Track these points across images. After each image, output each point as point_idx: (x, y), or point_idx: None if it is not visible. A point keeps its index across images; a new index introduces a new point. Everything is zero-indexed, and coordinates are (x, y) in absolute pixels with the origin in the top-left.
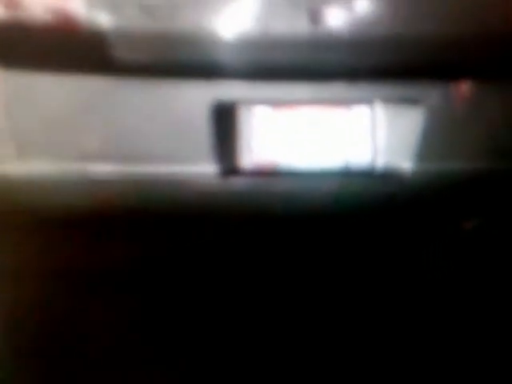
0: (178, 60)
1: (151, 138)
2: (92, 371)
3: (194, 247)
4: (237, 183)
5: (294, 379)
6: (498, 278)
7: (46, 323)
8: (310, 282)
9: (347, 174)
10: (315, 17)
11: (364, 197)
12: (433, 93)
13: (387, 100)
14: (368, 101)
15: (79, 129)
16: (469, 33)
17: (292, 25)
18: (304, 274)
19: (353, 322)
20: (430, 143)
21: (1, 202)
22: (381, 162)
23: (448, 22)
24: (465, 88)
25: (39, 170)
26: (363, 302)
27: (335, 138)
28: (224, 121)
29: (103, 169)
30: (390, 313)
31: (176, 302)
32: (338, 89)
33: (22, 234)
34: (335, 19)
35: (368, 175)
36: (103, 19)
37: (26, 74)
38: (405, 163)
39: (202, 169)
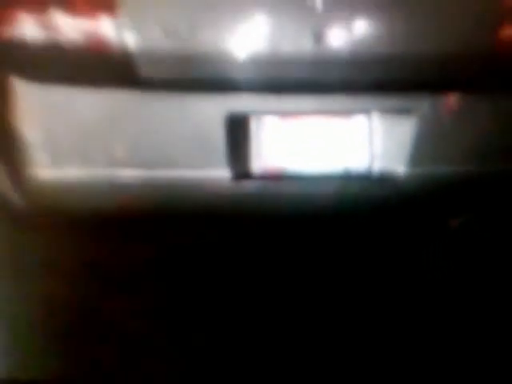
0: (197, 77)
1: (172, 146)
2: (116, 354)
3: (209, 243)
4: (248, 186)
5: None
6: (483, 271)
7: (76, 311)
8: (314, 275)
9: (347, 178)
10: (318, 38)
11: (362, 198)
12: (423, 104)
13: (383, 110)
14: (366, 111)
15: (108, 138)
16: (454, 51)
17: (298, 45)
18: (308, 268)
19: (353, 311)
20: (422, 149)
21: (36, 204)
22: (377, 166)
23: (436, 41)
24: (452, 100)
25: (71, 175)
26: (362, 293)
27: (336, 144)
28: (237, 130)
29: (129, 174)
30: (387, 304)
31: (192, 292)
32: (338, 101)
33: (54, 233)
34: (336, 40)
35: (366, 178)
36: (130, 41)
37: (61, 89)
38: (399, 167)
39: (217, 173)
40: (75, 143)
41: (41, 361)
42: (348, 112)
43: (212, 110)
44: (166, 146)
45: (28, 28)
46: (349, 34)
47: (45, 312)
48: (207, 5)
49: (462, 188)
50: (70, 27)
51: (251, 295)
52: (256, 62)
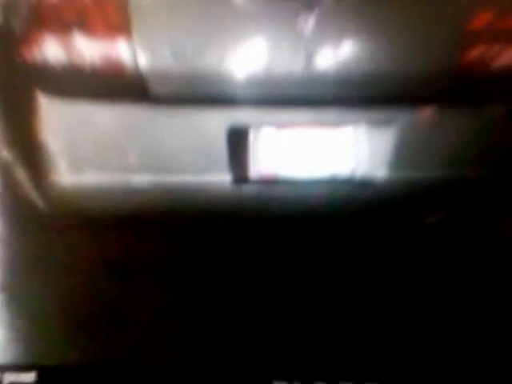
0: (201, 93)
1: (180, 154)
2: (129, 341)
3: (212, 240)
4: (246, 189)
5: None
6: (455, 265)
7: (93, 302)
8: (305, 270)
9: (334, 182)
10: (309, 59)
11: (347, 200)
12: (402, 116)
13: (366, 122)
14: (351, 123)
15: (121, 147)
16: (428, 70)
17: (291, 65)
18: (300, 263)
19: (340, 301)
20: (400, 156)
21: (57, 207)
22: (361, 171)
23: (412, 61)
24: (426, 113)
25: (89, 180)
26: (348, 286)
27: (325, 152)
28: (237, 140)
29: (141, 179)
30: (370, 293)
31: (197, 284)
32: (327, 114)
33: (74, 233)
34: (324, 60)
35: (351, 182)
36: (142, 62)
37: (80, 104)
38: (380, 172)
39: (219, 178)
40: (93, 152)
41: (61, 347)
42: (335, 124)
43: (215, 123)
44: (174, 154)
45: (53, 50)
46: (335, 55)
47: (65, 303)
48: (211, 30)
49: (436, 191)
50: (89, 49)
51: (250, 287)
52: (254, 80)
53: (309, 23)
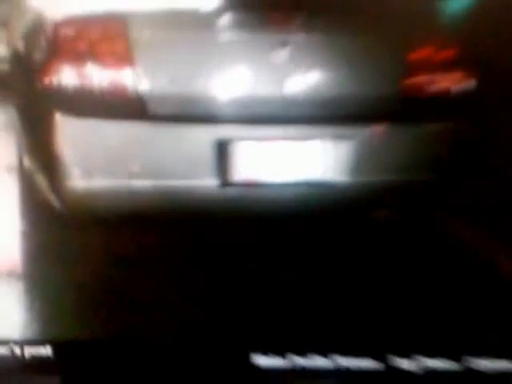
0: (192, 112)
1: (174, 163)
2: (132, 319)
3: (201, 235)
4: (230, 192)
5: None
6: (400, 254)
7: (102, 286)
8: (280, 255)
9: (303, 186)
10: (282, 85)
11: (314, 200)
12: (359, 132)
13: (330, 137)
14: (318, 137)
15: (125, 158)
16: (379, 94)
17: (267, 89)
18: (275, 249)
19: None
20: (357, 164)
21: (71, 208)
22: (326, 177)
23: (367, 87)
24: (379, 129)
25: (98, 185)
26: (315, 266)
27: (296, 161)
28: (222, 151)
29: (142, 184)
30: (331, 270)
31: (188, 271)
32: (298, 130)
33: (86, 229)
34: (294, 86)
35: (317, 186)
36: (143, 86)
37: (91, 121)
38: (342, 178)
39: (208, 182)
40: (101, 161)
41: (72, 325)
42: (305, 138)
43: (204, 137)
44: (169, 163)
45: (67, 77)
46: (304, 81)
47: (76, 288)
48: (200, 61)
49: (386, 192)
50: (98, 76)
51: (230, 271)
52: (237, 102)
53: (282, 55)
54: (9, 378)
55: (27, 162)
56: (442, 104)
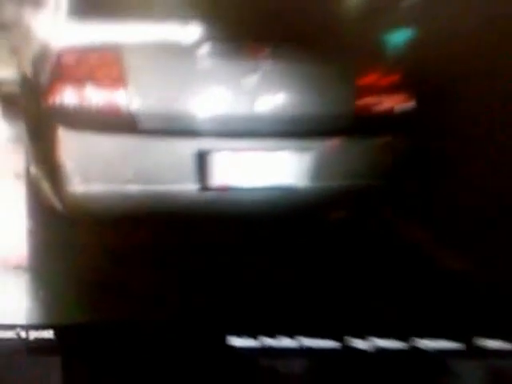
0: (177, 127)
1: (161, 170)
2: (125, 305)
3: (184, 231)
4: (208, 195)
5: None
6: (353, 250)
7: (98, 278)
8: (251, 247)
9: (271, 190)
10: (252, 104)
11: (280, 202)
12: (318, 144)
13: (294, 149)
14: (284, 149)
15: (118, 166)
16: (335, 113)
17: (239, 108)
18: (247, 242)
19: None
20: (317, 172)
21: (72, 210)
22: (290, 182)
23: (324, 107)
24: (335, 142)
25: (95, 190)
26: (280, 258)
27: (265, 169)
28: (202, 160)
29: (133, 188)
30: (294, 261)
31: (172, 263)
32: (267, 142)
33: (85, 227)
34: (263, 105)
35: (283, 190)
36: (135, 105)
37: (89, 135)
38: (304, 183)
39: (189, 187)
40: (97, 169)
41: (72, 312)
42: (272, 149)
43: (186, 148)
44: (157, 170)
45: (70, 97)
46: (271, 102)
47: (75, 279)
48: (183, 83)
49: (342, 195)
50: (96, 96)
51: (208, 260)
52: (214, 119)
53: (253, 79)
54: (15, 358)
55: (33, 170)
56: (387, 121)
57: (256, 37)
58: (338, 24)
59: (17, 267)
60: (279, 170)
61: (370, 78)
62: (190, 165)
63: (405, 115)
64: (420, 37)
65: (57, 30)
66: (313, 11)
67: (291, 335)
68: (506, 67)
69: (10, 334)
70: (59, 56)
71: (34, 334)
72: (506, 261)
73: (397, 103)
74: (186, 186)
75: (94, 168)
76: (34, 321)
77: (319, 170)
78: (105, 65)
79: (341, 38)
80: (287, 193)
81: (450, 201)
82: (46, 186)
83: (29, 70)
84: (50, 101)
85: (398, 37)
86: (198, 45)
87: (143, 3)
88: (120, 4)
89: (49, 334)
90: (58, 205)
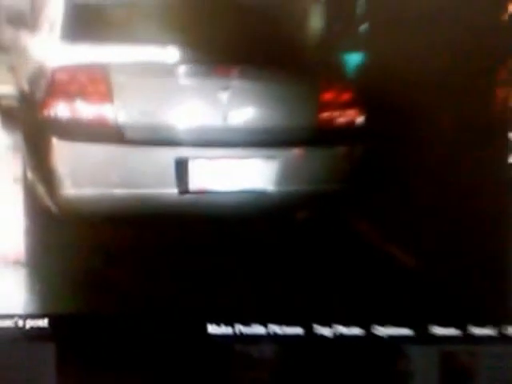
0: (159, 137)
1: (144, 176)
2: (112, 298)
3: (165, 230)
4: (187, 198)
5: None
6: (318, 248)
7: (89, 273)
8: (226, 243)
9: (243, 193)
10: (225, 117)
11: (251, 205)
12: (284, 153)
13: (263, 157)
14: (254, 157)
15: (106, 172)
16: (299, 125)
17: (213, 121)
18: (222, 239)
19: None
20: (283, 177)
21: (65, 211)
22: (260, 186)
23: (289, 120)
24: (299, 151)
25: (85, 193)
26: (252, 253)
27: (238, 175)
28: (181, 167)
29: (119, 192)
30: (263, 257)
31: (156, 257)
32: (239, 151)
33: (77, 227)
34: (235, 118)
35: (254, 193)
36: (120, 118)
37: (80, 144)
38: (272, 187)
39: (170, 191)
40: (88, 174)
41: (64, 303)
42: (244, 157)
43: (167, 156)
44: (141, 176)
45: (62, 110)
46: (241, 115)
47: (68, 274)
48: (164, 99)
49: (306, 198)
50: (86, 110)
51: (188, 255)
52: (192, 130)
53: (225, 96)
54: (14, 344)
55: (30, 175)
56: (345, 132)
57: (227, 59)
58: (302, 47)
59: (15, 263)
60: (250, 175)
61: (330, 95)
62: (170, 171)
63: (360, 127)
64: (372, 59)
65: (51, 51)
66: (279, 36)
67: (264, 323)
68: (447, 80)
69: (8, 323)
70: (53, 74)
71: (30, 323)
72: (453, 256)
73: (353, 117)
74: (167, 190)
75: (85, 174)
76: (31, 311)
77: (286, 175)
78: (93, 82)
79: (304, 59)
80: (257, 196)
81: (401, 202)
82: (41, 190)
83: (26, 87)
84: (45, 114)
85: (355, 58)
86: (176, 65)
87: (127, 29)
88: (106, 29)
89: (43, 322)
90: (51, 206)
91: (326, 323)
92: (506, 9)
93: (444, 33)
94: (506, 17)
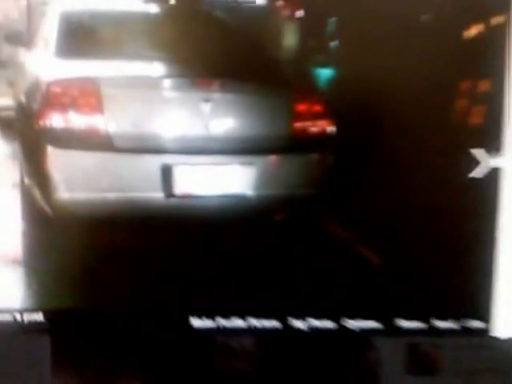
0: (146, 146)
1: (133, 181)
2: (101, 294)
3: (152, 231)
4: (173, 201)
5: None
6: (292, 243)
7: (81, 271)
8: (207, 243)
9: (224, 197)
10: (207, 127)
11: (232, 207)
12: (263, 159)
13: (242, 163)
14: (234, 164)
15: (98, 177)
16: (274, 134)
17: (196, 130)
18: (203, 239)
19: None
20: (261, 182)
21: (59, 214)
22: (239, 190)
23: (265, 129)
24: (273, 158)
25: (78, 197)
26: (231, 252)
27: (220, 180)
28: (167, 173)
29: (110, 196)
30: (241, 255)
31: (144, 256)
32: (220, 158)
33: (68, 229)
34: (216, 128)
35: (234, 197)
36: (111, 128)
37: (73, 152)
38: (250, 192)
39: (157, 195)
40: (80, 180)
41: (58, 299)
42: (224, 164)
43: (154, 163)
44: (130, 181)
45: (57, 121)
46: (222, 125)
47: (62, 272)
48: (150, 110)
49: (281, 202)
50: (78, 120)
51: (172, 254)
52: (176, 139)
53: (206, 107)
54: (12, 337)
55: (27, 181)
56: (316, 141)
57: (209, 73)
58: (277, 62)
59: (13, 262)
60: (230, 180)
61: (303, 107)
62: (157, 176)
63: (330, 136)
64: (341, 73)
65: (46, 66)
66: (256, 52)
67: (243, 316)
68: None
69: (7, 317)
70: (48, 87)
71: (27, 317)
72: (417, 254)
73: (324, 126)
74: (154, 194)
75: (77, 179)
76: (27, 306)
77: (263, 180)
78: (85, 95)
79: (279, 73)
80: (237, 199)
81: (367, 204)
82: (37, 194)
83: (23, 99)
84: (41, 124)
85: (325, 73)
86: (161, 79)
87: (116, 46)
88: (96, 46)
89: (39, 316)
90: (47, 209)
91: (301, 317)
92: (470, 27)
93: (407, 49)
94: (470, 34)
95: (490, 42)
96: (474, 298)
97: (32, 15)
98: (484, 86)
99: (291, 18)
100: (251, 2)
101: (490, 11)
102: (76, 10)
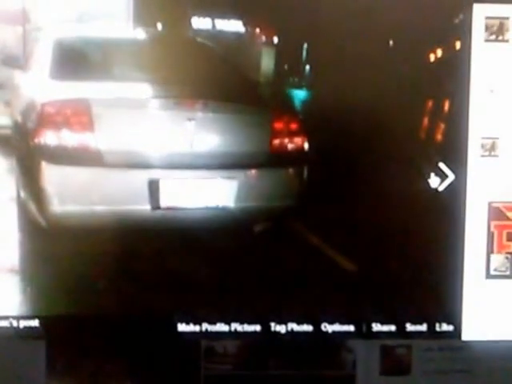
0: (133, 162)
1: (121, 194)
2: (95, 300)
3: (139, 242)
4: (159, 213)
5: None
6: (272, 253)
7: (74, 278)
8: (192, 252)
9: (207, 209)
10: (191, 144)
11: (214, 219)
12: (243, 174)
13: (224, 177)
14: (217, 177)
15: (89, 191)
16: (253, 150)
17: (181, 147)
18: (188, 249)
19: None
20: (242, 195)
21: (52, 225)
22: (221, 203)
23: (245, 146)
24: (254, 172)
25: (70, 210)
26: (215, 263)
27: (203, 193)
28: (154, 187)
29: (100, 209)
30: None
31: (132, 265)
32: (203, 173)
33: (62, 240)
34: (200, 145)
35: (216, 209)
36: (101, 145)
37: (66, 167)
38: (232, 204)
39: (144, 207)
40: (72, 193)
41: (53, 306)
42: (207, 178)
43: (141, 178)
44: (119, 194)
45: (50, 138)
46: (205, 142)
47: (56, 280)
48: (138, 129)
49: (262, 213)
50: (70, 138)
51: (159, 261)
52: (162, 155)
53: (190, 126)
54: (8, 342)
55: (22, 194)
56: (293, 156)
57: (192, 94)
58: (256, 84)
59: (10, 270)
60: (213, 193)
61: (280, 125)
62: (144, 190)
63: (307, 152)
64: (316, 94)
65: (40, 88)
66: (236, 74)
67: (227, 322)
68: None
69: (4, 323)
70: (42, 107)
71: (23, 323)
72: (389, 262)
73: (301, 143)
74: (141, 207)
75: (70, 193)
76: (23, 312)
77: (244, 193)
78: (77, 114)
79: (258, 94)
80: (220, 211)
81: (341, 213)
82: (32, 207)
83: (19, 118)
84: (36, 141)
85: (301, 94)
86: (148, 99)
87: (106, 68)
88: (88, 69)
89: (34, 322)
90: (41, 221)
91: (281, 321)
92: (433, 51)
93: (375, 71)
94: (434, 57)
95: (451, 65)
96: (444, 303)
97: (28, 40)
98: (446, 104)
99: (269, 44)
100: (231, 30)
101: (451, 36)
102: (69, 36)
